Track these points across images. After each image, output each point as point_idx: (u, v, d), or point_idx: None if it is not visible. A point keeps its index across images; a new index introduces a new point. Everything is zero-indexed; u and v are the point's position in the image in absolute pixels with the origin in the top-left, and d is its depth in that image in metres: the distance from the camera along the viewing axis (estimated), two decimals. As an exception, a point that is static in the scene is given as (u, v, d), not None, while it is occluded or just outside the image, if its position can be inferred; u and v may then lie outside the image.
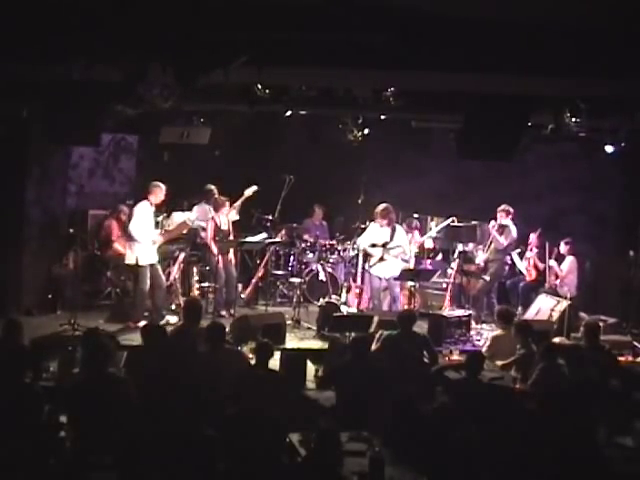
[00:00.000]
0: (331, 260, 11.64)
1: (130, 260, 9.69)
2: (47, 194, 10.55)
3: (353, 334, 8.60)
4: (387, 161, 12.27)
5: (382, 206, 10.51)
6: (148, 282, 9.71)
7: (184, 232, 10.40)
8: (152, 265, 9.74)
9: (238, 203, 10.72)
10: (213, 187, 10.59)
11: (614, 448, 5.88)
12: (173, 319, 9.67)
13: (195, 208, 10.67)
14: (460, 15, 5.97)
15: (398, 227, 10.66)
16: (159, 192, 9.76)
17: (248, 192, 10.67)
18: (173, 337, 7.82)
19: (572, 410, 5.83)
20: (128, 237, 9.74)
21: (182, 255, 10.53)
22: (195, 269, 10.75)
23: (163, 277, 9.97)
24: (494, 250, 11.01)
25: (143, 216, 9.68)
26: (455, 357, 8.61)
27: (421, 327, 9.12)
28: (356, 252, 11.16)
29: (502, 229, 10.90)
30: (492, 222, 10.92)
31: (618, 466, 5.47)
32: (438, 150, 11.64)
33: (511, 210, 10.93)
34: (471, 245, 11.49)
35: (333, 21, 6.03)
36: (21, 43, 6.41)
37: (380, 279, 10.50)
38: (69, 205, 11.26)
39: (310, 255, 11.63)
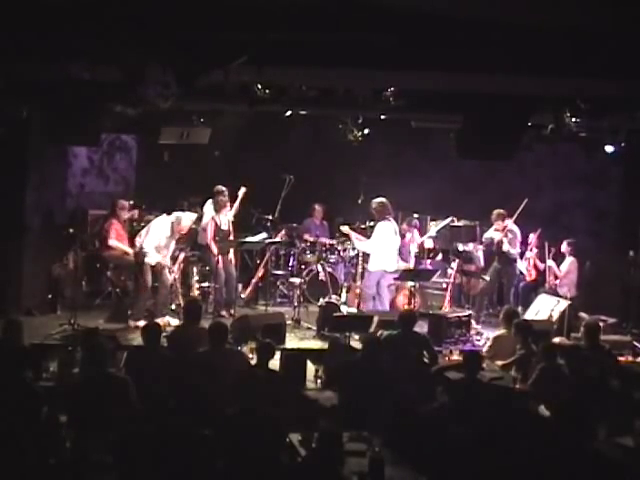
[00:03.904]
0: (331, 260, 11.64)
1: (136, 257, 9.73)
2: (47, 194, 10.55)
3: (360, 334, 8.75)
4: (387, 161, 12.27)
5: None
6: (150, 280, 9.72)
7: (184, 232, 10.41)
8: (157, 263, 9.74)
9: (236, 206, 10.71)
10: (224, 188, 10.54)
11: (614, 448, 5.88)
12: (174, 321, 9.64)
13: (208, 202, 10.64)
14: (460, 15, 5.98)
15: (379, 224, 10.38)
16: (178, 223, 9.80)
17: (240, 194, 10.68)
18: (173, 337, 7.84)
19: (572, 410, 5.82)
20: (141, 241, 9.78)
21: (182, 255, 10.54)
22: (195, 269, 10.75)
23: (169, 276, 9.96)
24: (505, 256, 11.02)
25: (159, 233, 9.72)
26: (455, 357, 8.61)
27: (421, 327, 9.12)
28: (356, 252, 11.16)
29: (507, 234, 10.90)
30: (505, 240, 10.88)
31: (618, 466, 5.46)
32: (438, 150, 11.64)
33: (505, 212, 10.93)
34: (471, 245, 11.49)
35: (333, 21, 6.04)
36: (21, 43, 6.41)
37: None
38: (69, 205, 11.26)
39: (310, 255, 11.63)
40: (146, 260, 9.65)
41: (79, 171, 11.72)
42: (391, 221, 10.42)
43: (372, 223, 11.09)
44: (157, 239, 9.73)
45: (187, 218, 9.94)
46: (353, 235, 10.78)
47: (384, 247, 10.31)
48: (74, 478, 5.07)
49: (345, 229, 10.89)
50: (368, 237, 10.55)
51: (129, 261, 10.09)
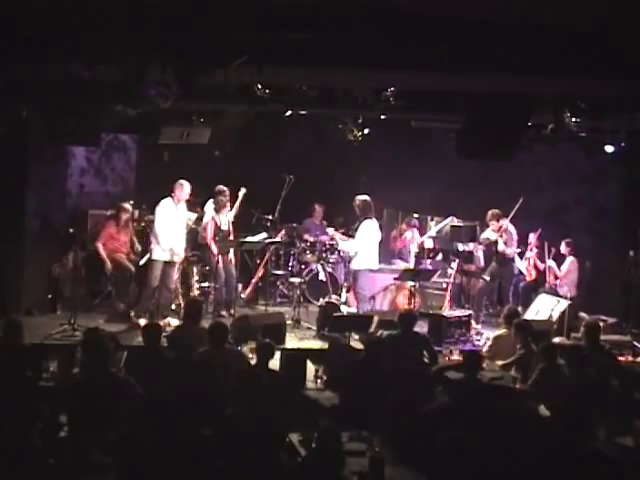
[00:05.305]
0: (331, 260, 11.64)
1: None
2: (46, 194, 10.54)
3: (361, 334, 8.77)
4: (387, 161, 12.26)
5: None
6: (157, 279, 9.72)
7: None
8: (166, 263, 9.75)
9: (236, 206, 10.71)
10: (225, 188, 10.55)
11: (614, 448, 5.88)
12: (174, 321, 9.64)
13: (208, 202, 10.68)
14: (460, 15, 5.99)
15: (363, 223, 10.29)
16: (180, 189, 9.81)
17: (240, 194, 10.68)
18: (173, 337, 7.84)
19: (572, 410, 5.83)
20: (153, 236, 9.78)
21: (182, 255, 10.52)
22: (195, 269, 10.74)
23: (174, 278, 9.95)
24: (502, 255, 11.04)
25: (166, 214, 9.73)
26: (455, 357, 8.61)
27: (421, 327, 9.12)
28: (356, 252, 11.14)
29: (502, 234, 10.90)
30: (500, 241, 10.87)
31: (618, 466, 5.46)
32: (438, 150, 11.63)
33: (500, 212, 10.92)
34: (471, 245, 11.48)
35: (333, 21, 6.04)
36: (21, 43, 6.41)
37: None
38: (68, 205, 11.26)
39: (310, 255, 11.63)
40: (153, 257, 9.66)
41: (77, 171, 11.71)
42: (373, 220, 10.40)
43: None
44: (165, 219, 9.71)
45: (189, 186, 9.92)
46: (337, 236, 10.85)
47: (368, 246, 10.30)
48: (74, 478, 5.07)
49: (330, 231, 10.95)
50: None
51: (126, 264, 10.13)
